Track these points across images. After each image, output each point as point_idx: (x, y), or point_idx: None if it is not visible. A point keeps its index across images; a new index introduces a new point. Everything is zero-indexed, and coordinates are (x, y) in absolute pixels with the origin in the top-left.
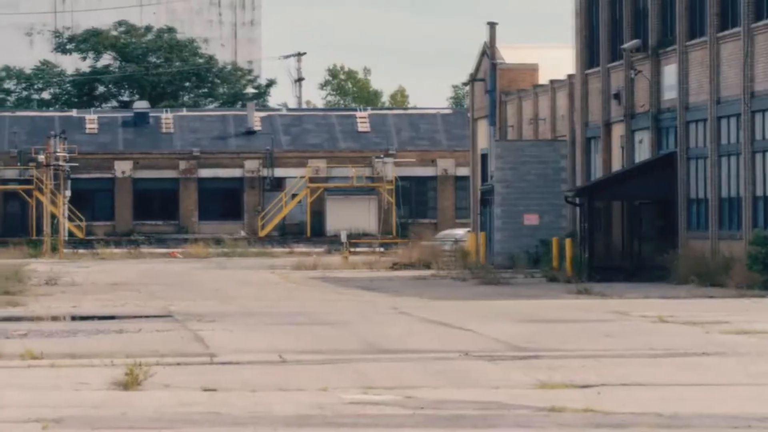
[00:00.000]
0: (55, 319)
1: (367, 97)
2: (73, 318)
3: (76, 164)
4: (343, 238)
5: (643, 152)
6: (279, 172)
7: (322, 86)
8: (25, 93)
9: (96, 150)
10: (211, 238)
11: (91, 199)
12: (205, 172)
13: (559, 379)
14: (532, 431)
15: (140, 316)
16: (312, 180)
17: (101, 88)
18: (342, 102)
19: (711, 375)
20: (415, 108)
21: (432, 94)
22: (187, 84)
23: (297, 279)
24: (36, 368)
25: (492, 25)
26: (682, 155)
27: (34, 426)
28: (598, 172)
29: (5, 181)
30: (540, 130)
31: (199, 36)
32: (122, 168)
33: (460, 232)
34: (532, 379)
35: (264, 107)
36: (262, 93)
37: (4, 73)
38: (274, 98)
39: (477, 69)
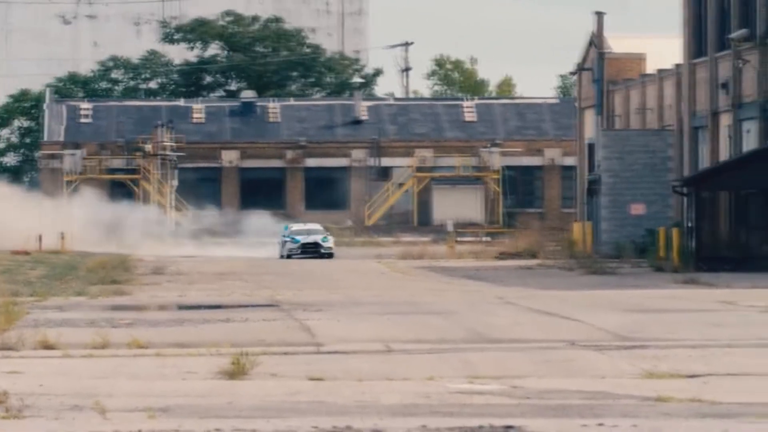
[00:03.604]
0: (161, 308)
1: (474, 86)
2: (180, 307)
3: (183, 153)
4: (449, 227)
5: (750, 142)
6: (385, 161)
7: (429, 76)
8: (132, 83)
9: (203, 139)
10: None
11: (198, 189)
12: (312, 162)
13: (665, 368)
14: (639, 421)
15: (247, 306)
16: (418, 169)
17: (208, 78)
18: (448, 91)
19: None
20: (521, 97)
21: (539, 83)
22: (293, 73)
23: (403, 268)
24: (143, 357)
25: (599, 15)
26: None
27: (141, 415)
28: (705, 162)
29: (112, 171)
30: (647, 120)
31: (306, 25)
32: (229, 157)
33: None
34: (638, 368)
35: (371, 97)
36: (368, 82)
37: (111, 63)
38: (381, 88)
39: (584, 58)
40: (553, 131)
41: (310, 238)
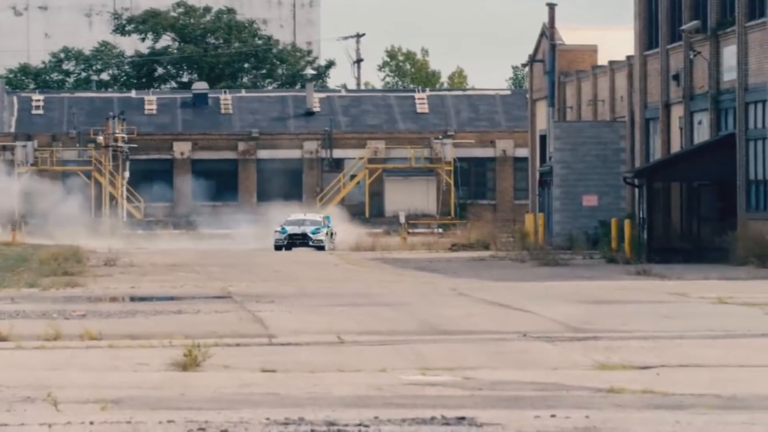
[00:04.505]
0: (113, 300)
1: (426, 78)
2: (132, 299)
3: (135, 145)
4: (402, 219)
5: (702, 133)
6: (338, 153)
7: (381, 67)
8: (84, 74)
9: (155, 131)
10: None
11: (150, 181)
12: (264, 153)
13: (617, 360)
14: (591, 412)
15: (199, 297)
16: (370, 161)
17: (160, 70)
18: (400, 83)
19: None
20: (473, 89)
21: (491, 75)
22: (246, 65)
23: (356, 260)
24: (95, 349)
25: (551, 6)
26: (742, 136)
27: (93, 407)
28: (657, 154)
29: (64, 162)
30: (599, 111)
31: (258, 17)
32: (181, 149)
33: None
34: (590, 360)
35: (323, 88)
36: (321, 74)
37: (63, 55)
38: (333, 79)
39: (536, 50)
40: (505, 123)
41: (299, 229)
